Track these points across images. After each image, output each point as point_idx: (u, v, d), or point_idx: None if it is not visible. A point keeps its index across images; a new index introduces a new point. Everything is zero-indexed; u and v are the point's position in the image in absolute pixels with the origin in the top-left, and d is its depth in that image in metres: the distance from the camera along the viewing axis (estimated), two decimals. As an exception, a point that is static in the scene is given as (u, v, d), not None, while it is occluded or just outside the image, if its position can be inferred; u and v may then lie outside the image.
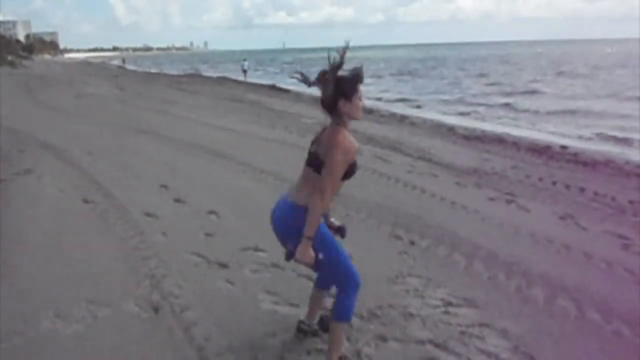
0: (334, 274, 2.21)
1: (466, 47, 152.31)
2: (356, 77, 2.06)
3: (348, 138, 2.07)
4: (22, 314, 2.80)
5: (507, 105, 15.80)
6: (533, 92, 19.47)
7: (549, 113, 13.73)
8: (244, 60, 31.50)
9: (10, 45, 74.54)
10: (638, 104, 14.69)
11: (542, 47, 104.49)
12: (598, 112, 13.57)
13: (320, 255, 2.08)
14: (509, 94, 18.90)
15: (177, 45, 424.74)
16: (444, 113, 14.35)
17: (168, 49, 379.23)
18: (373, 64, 48.04)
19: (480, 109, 15.15)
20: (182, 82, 26.65)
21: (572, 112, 13.58)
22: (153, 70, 46.75)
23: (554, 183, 5.78)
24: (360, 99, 2.08)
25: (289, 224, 2.13)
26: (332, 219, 2.35)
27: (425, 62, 52.51)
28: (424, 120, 12.11)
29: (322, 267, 2.13)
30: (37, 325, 2.69)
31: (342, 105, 2.05)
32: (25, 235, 4.05)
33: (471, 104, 16.32)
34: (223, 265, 3.44)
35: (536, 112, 13.97)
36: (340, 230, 2.32)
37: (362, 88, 2.09)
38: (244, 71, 29.97)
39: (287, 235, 2.16)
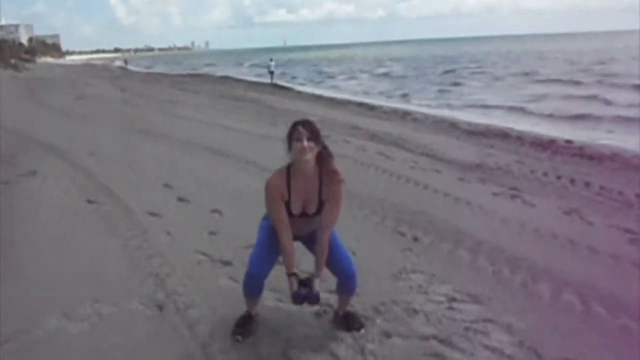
0: None
1: (469, 43, 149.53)
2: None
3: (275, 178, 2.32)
4: (28, 313, 2.82)
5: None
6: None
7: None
8: (271, 60, 26.28)
9: (14, 49, 75.00)
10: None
11: (534, 43, 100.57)
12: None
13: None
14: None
15: (179, 45, 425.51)
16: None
17: (170, 49, 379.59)
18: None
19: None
20: (184, 81, 26.71)
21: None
22: (155, 71, 46.83)
23: (558, 177, 5.74)
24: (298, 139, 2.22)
25: None
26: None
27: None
28: (427, 116, 12.07)
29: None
30: (43, 324, 2.70)
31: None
32: (31, 236, 4.07)
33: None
34: (227, 263, 3.45)
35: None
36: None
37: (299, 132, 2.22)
38: (271, 72, 25.56)
39: None
